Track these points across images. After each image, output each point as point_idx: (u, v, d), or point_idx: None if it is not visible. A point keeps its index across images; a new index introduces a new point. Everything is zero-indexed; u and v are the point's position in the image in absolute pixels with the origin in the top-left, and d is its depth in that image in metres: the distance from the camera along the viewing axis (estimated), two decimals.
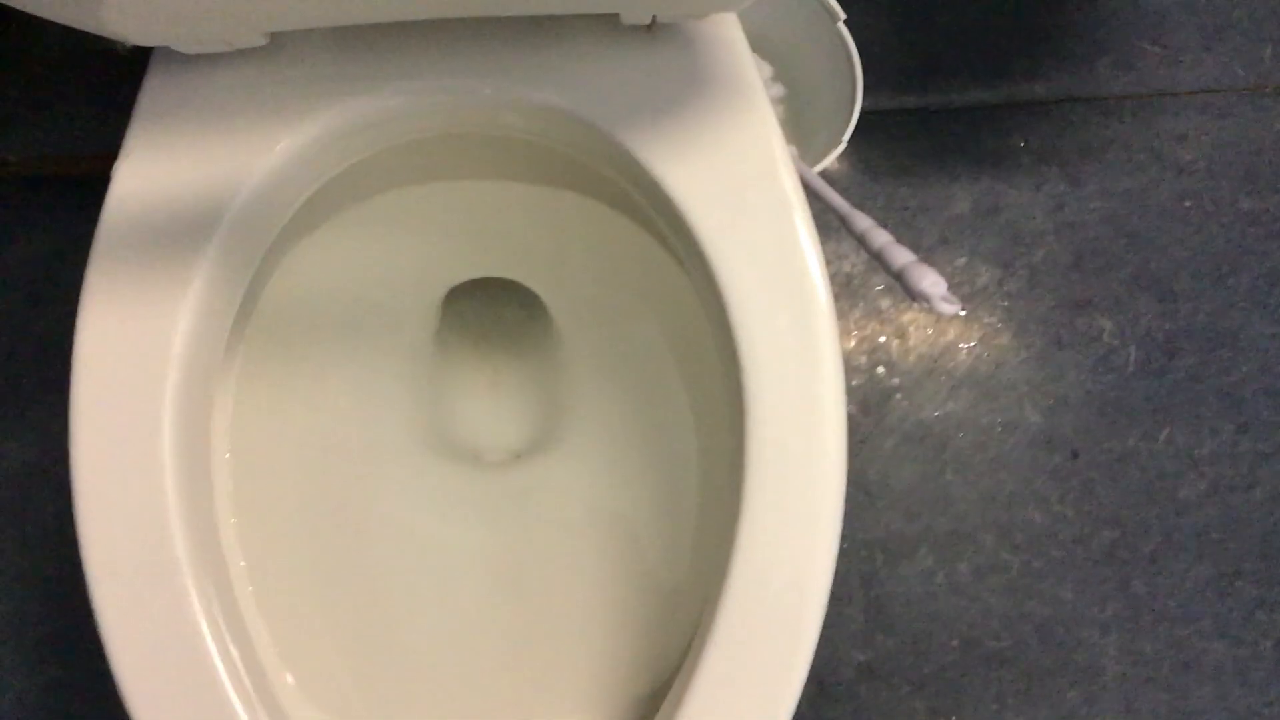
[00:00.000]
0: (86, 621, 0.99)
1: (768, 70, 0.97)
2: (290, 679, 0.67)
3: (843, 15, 0.90)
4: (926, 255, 1.02)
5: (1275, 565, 1.02)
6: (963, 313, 0.75)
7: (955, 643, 0.99)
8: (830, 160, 0.90)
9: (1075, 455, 1.02)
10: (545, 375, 0.80)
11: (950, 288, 1.03)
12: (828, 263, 1.02)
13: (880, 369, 1.03)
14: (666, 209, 0.62)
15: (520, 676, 0.69)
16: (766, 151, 0.61)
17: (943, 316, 0.76)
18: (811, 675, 0.98)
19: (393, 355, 0.76)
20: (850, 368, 1.03)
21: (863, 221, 0.80)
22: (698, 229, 0.60)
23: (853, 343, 1.03)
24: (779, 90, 0.98)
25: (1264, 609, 1.01)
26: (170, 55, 0.62)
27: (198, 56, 0.62)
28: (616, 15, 0.61)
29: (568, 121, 0.63)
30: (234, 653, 0.58)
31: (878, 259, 0.78)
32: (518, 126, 0.66)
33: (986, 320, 1.04)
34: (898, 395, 1.03)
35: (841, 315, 1.03)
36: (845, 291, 1.03)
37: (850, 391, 1.03)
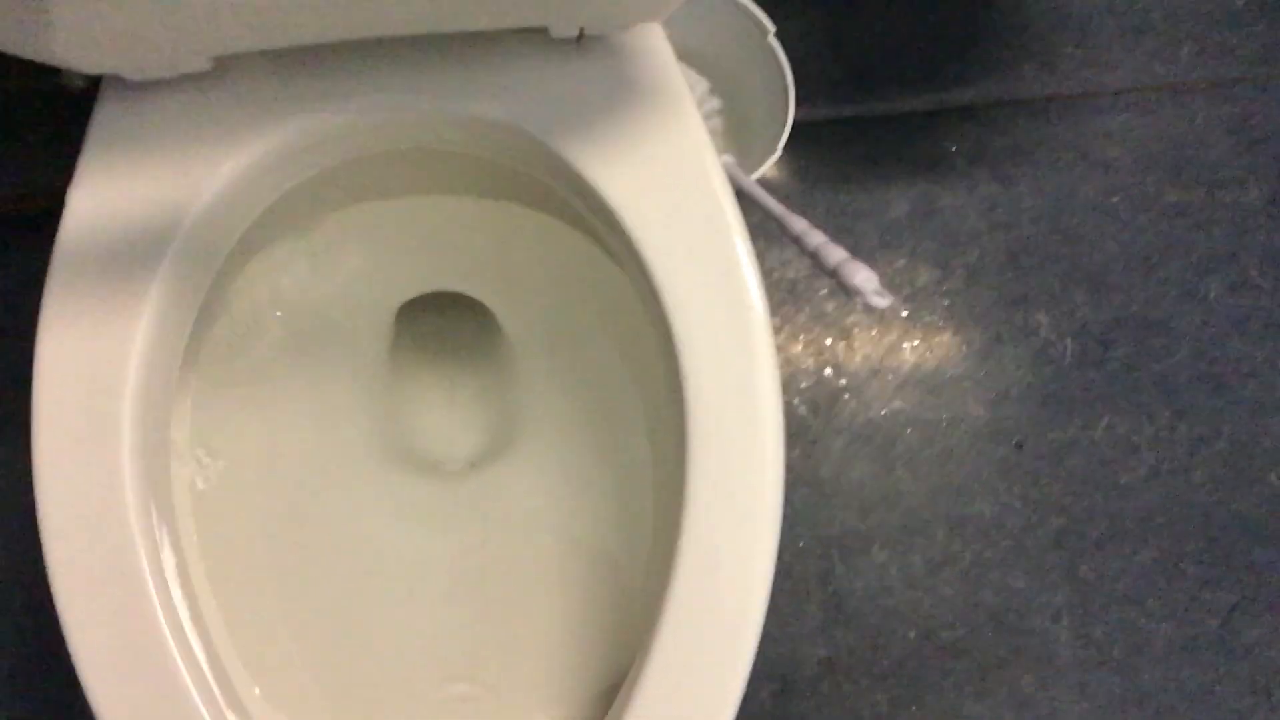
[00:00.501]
0: (55, 652, 0.99)
1: (704, 84, 0.99)
2: (257, 690, 0.68)
3: (772, 28, 0.93)
4: (867, 257, 1.04)
5: (1217, 546, 1.05)
6: (888, 305, 0.78)
7: (912, 634, 1.02)
8: (767, 167, 0.93)
9: (1019, 446, 1.05)
10: (500, 386, 0.82)
11: (891, 288, 1.06)
12: (772, 270, 1.05)
13: (828, 370, 1.05)
14: (604, 213, 0.64)
15: (483, 679, 0.70)
16: (696, 153, 0.64)
17: (876, 309, 0.79)
18: (774, 672, 1.00)
19: (348, 370, 0.77)
20: (798, 370, 1.05)
21: (799, 224, 0.83)
22: (633, 230, 0.63)
23: (799, 346, 1.05)
24: (716, 103, 1.00)
25: (1208, 589, 1.04)
26: (119, 83, 0.63)
27: (145, 84, 0.63)
28: (545, 29, 0.63)
29: (504, 133, 0.65)
30: (203, 665, 0.59)
31: (814, 259, 0.80)
32: (457, 140, 0.67)
33: (928, 319, 1.06)
34: (845, 395, 1.05)
35: (787, 320, 1.06)
36: (790, 297, 1.06)
37: (799, 393, 1.05)
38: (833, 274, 0.79)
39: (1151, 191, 1.09)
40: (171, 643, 0.58)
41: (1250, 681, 1.03)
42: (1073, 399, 1.06)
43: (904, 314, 1.05)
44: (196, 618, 0.62)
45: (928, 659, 1.02)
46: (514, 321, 0.80)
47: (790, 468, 1.04)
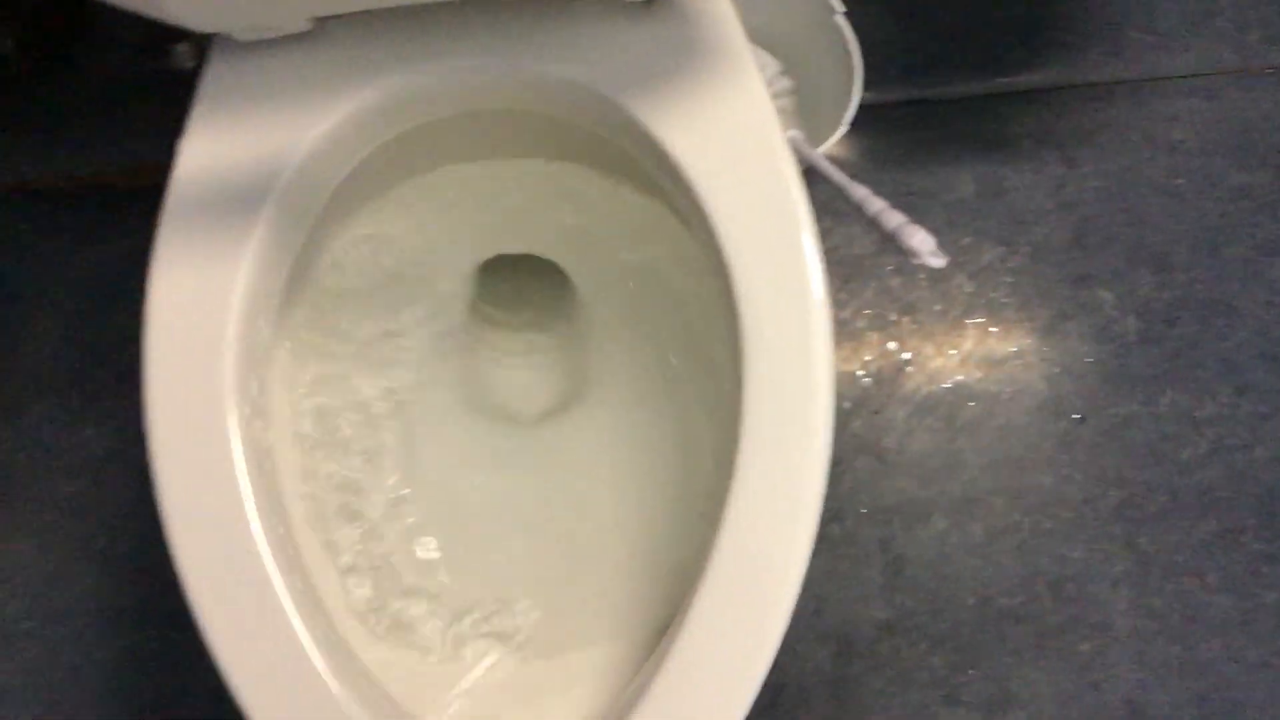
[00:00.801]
0: (158, 593, 1.06)
1: (775, 65, 1.03)
2: (354, 622, 0.73)
3: (841, 8, 0.97)
4: (935, 232, 1.08)
5: (1277, 522, 1.06)
6: (943, 264, 0.81)
7: (971, 600, 1.04)
8: (833, 142, 0.96)
9: (1081, 420, 1.07)
10: (573, 343, 0.87)
11: (956, 264, 1.09)
12: (838, 246, 1.08)
13: (891, 344, 1.08)
14: (669, 170, 0.68)
15: (548, 604, 0.75)
16: (756, 111, 0.68)
17: (932, 268, 0.82)
18: (833, 633, 1.04)
19: (430, 322, 0.82)
20: (862, 343, 1.08)
21: (860, 191, 0.86)
22: (696, 184, 0.67)
23: (864, 320, 1.08)
24: (787, 84, 1.04)
25: (1267, 563, 1.05)
26: (226, 43, 0.69)
27: (251, 44, 0.69)
28: None
29: (578, 92, 0.70)
30: (302, 592, 0.64)
31: (874, 223, 0.84)
32: (533, 100, 0.72)
33: (991, 295, 1.09)
34: (909, 368, 1.08)
35: (854, 295, 1.09)
36: (856, 272, 1.09)
37: (863, 364, 1.08)
38: (891, 236, 0.83)
39: (1216, 174, 1.11)
40: (265, 557, 0.63)
41: None
42: (1135, 375, 1.08)
43: (969, 290, 1.08)
44: (293, 547, 0.68)
45: (985, 624, 1.04)
46: (586, 281, 0.84)
47: (854, 436, 1.07)
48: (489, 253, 0.84)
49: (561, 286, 0.85)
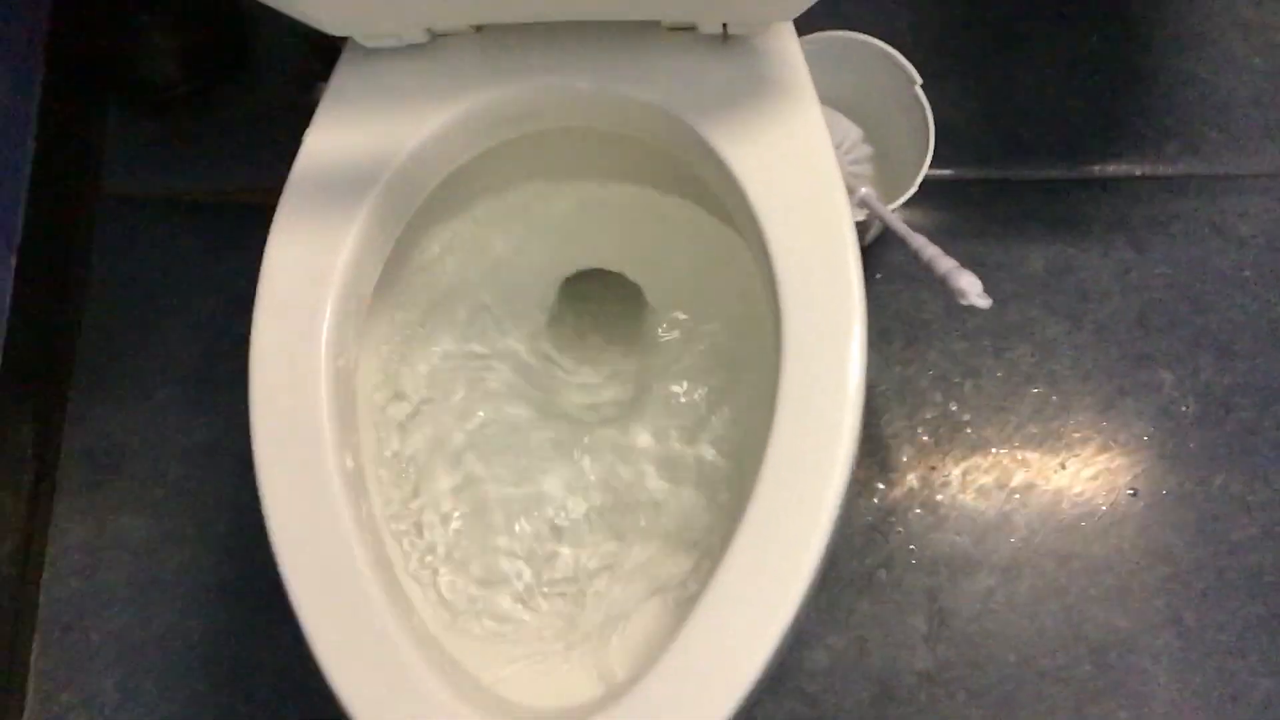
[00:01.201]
0: (245, 575, 1.14)
1: (858, 132, 1.11)
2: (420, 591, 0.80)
3: (919, 80, 1.04)
4: (1001, 304, 1.14)
5: None
6: (988, 305, 0.86)
7: (1012, 658, 1.06)
8: (902, 201, 1.03)
9: (1134, 494, 1.10)
10: (640, 353, 0.94)
11: (1020, 335, 1.14)
12: (909, 309, 1.14)
13: (953, 405, 1.13)
14: (731, 187, 0.76)
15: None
16: (814, 139, 0.76)
17: (978, 308, 0.88)
18: (875, 676, 1.07)
19: (516, 324, 0.91)
20: (925, 401, 1.13)
21: (918, 240, 0.93)
22: (754, 200, 0.74)
23: (926, 380, 1.13)
24: (868, 150, 1.11)
25: None
26: (355, 49, 0.79)
27: (375, 50, 0.79)
28: (695, 28, 0.76)
29: (655, 115, 0.78)
30: (377, 561, 0.72)
31: (928, 266, 0.90)
32: (614, 121, 0.81)
33: (1054, 367, 1.13)
34: (968, 430, 1.12)
35: (919, 355, 1.14)
36: (923, 334, 1.14)
37: (925, 422, 1.13)
38: (943, 279, 0.89)
39: None
40: (346, 520, 0.71)
41: None
42: (1190, 455, 1.11)
43: (1031, 360, 1.13)
44: (369, 511, 0.75)
45: (1025, 682, 1.06)
46: (657, 296, 0.92)
47: (909, 489, 1.12)
48: (570, 268, 0.92)
49: (636, 301, 0.93)
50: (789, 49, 0.77)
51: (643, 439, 0.88)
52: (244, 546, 1.16)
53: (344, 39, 0.81)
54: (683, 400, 0.88)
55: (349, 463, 0.74)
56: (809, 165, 0.75)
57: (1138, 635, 1.07)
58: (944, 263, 0.89)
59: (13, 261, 1.16)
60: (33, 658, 1.14)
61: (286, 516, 0.74)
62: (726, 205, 0.79)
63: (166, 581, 1.15)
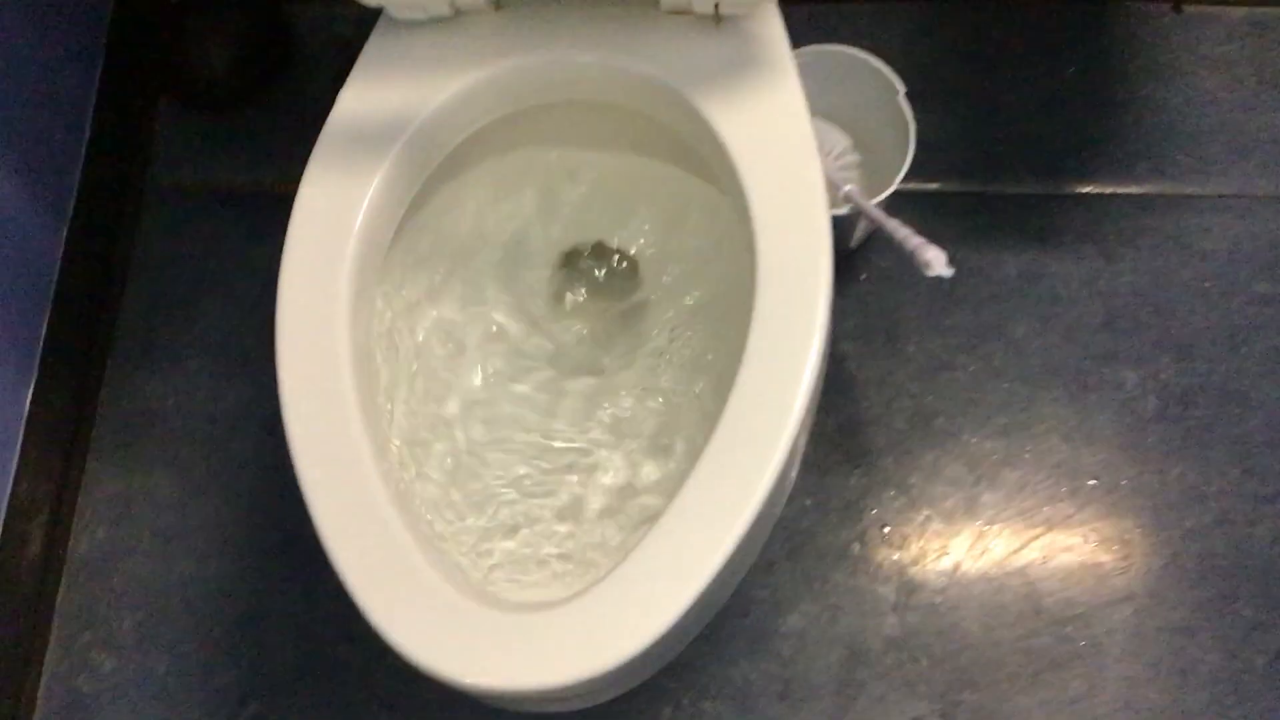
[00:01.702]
0: (263, 528, 1.21)
1: (846, 141, 1.20)
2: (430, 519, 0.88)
3: (903, 89, 1.13)
4: (975, 305, 1.22)
5: (1273, 594, 1.13)
6: (952, 274, 0.95)
7: (974, 628, 1.13)
8: (883, 197, 1.11)
9: (1095, 480, 1.17)
10: (634, 315, 1.03)
11: (992, 334, 1.21)
12: (892, 308, 1.22)
13: (928, 396, 1.21)
14: (718, 148, 0.84)
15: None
16: (793, 109, 0.85)
17: (944, 277, 0.96)
18: (845, 642, 1.14)
19: (515, 279, 1.00)
20: (901, 392, 1.21)
21: (891, 222, 1.02)
22: (738, 161, 0.83)
23: (904, 373, 1.22)
24: (855, 157, 1.20)
25: (1259, 630, 1.12)
26: (387, 21, 0.89)
27: (405, 22, 0.89)
28: (690, 8, 0.86)
29: (654, 87, 0.87)
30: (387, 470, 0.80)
31: (901, 245, 0.99)
32: (617, 93, 0.90)
33: (1023, 364, 1.21)
34: (939, 418, 1.20)
35: (898, 350, 1.22)
36: (903, 331, 1.23)
37: (900, 412, 1.21)
38: (911, 254, 0.97)
39: (1242, 281, 1.22)
40: (357, 424, 0.80)
41: None
42: (1149, 448, 1.18)
43: (1001, 357, 1.21)
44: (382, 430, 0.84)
45: (985, 651, 1.13)
46: (650, 263, 1.01)
47: (883, 471, 1.19)
48: (571, 230, 1.02)
49: (631, 271, 1.02)
50: (774, 30, 0.87)
51: (621, 398, 0.97)
52: (263, 504, 1.24)
53: (378, 12, 0.91)
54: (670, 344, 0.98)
55: (364, 385, 0.82)
56: (788, 130, 0.84)
57: (1094, 611, 1.14)
58: (913, 240, 0.98)
59: (63, 234, 1.27)
60: (58, 599, 1.23)
61: (306, 434, 0.81)
62: (714, 168, 0.88)
63: (189, 534, 1.24)
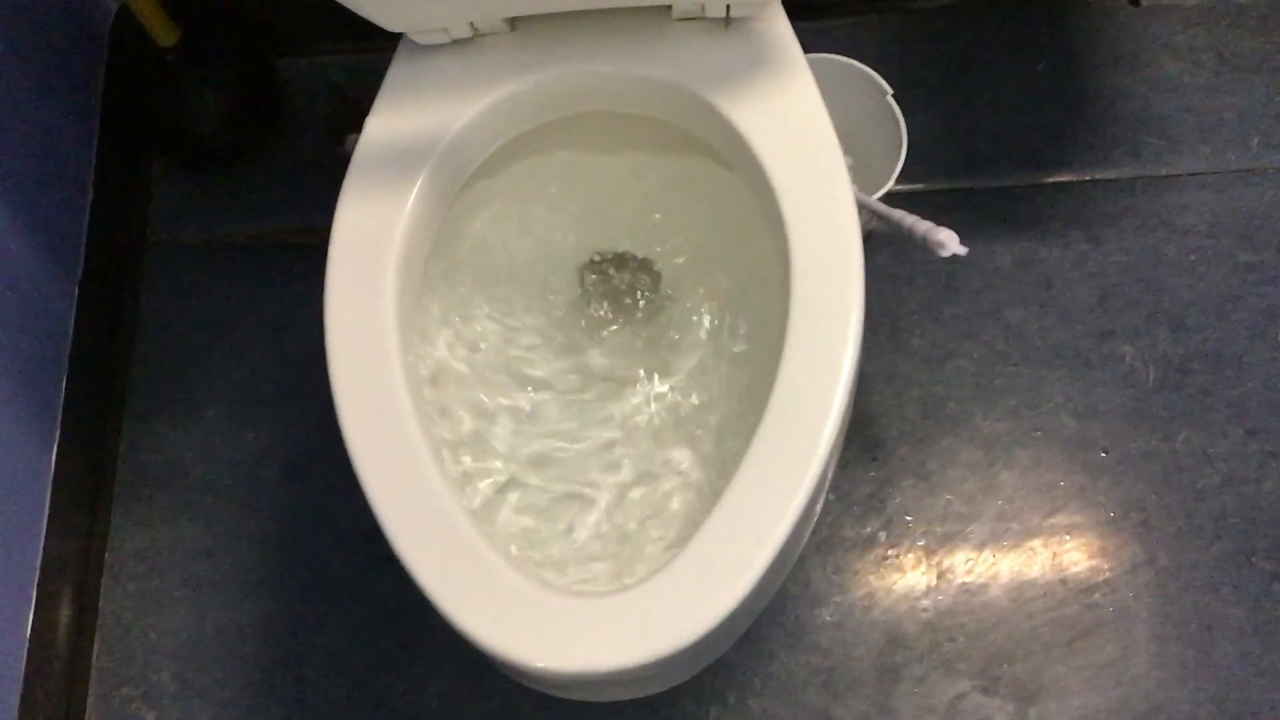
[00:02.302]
0: (293, 569, 1.20)
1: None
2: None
3: (890, 90, 1.18)
4: (972, 296, 1.27)
5: None
6: (966, 252, 0.98)
7: (1005, 603, 1.16)
8: (882, 193, 1.16)
9: (1105, 452, 1.21)
10: (658, 324, 1.05)
11: (992, 321, 1.25)
12: (893, 304, 1.25)
13: (936, 386, 1.24)
14: (740, 146, 0.88)
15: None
16: (810, 103, 0.89)
17: (959, 256, 1.00)
18: (881, 627, 1.15)
19: (544, 293, 1.02)
20: (910, 383, 1.25)
21: (898, 213, 1.05)
22: (763, 160, 0.87)
23: (910, 365, 1.25)
24: (849, 160, 1.24)
25: (1277, 581, 1.15)
26: (408, 46, 0.92)
27: (425, 47, 0.92)
28: (702, 12, 0.90)
29: (671, 91, 0.91)
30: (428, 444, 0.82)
31: (910, 231, 1.02)
32: (634, 103, 0.94)
33: (1024, 347, 1.25)
34: (950, 404, 1.23)
35: (903, 344, 1.26)
36: (906, 325, 1.27)
37: (911, 402, 1.24)
38: (924, 238, 1.01)
39: (1225, 253, 1.28)
40: (404, 400, 0.82)
41: None
42: (1154, 416, 1.22)
43: (1003, 341, 1.25)
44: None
45: (1019, 625, 1.16)
46: (672, 271, 1.04)
47: (901, 460, 1.22)
48: (594, 247, 1.04)
49: (653, 278, 1.05)
50: (781, 28, 0.91)
51: (648, 408, 1.00)
52: (291, 545, 1.25)
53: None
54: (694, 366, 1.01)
55: (417, 398, 0.84)
56: (807, 123, 0.88)
57: (1118, 577, 1.17)
58: (922, 225, 1.02)
59: (75, 294, 1.28)
60: (94, 656, 1.22)
61: (366, 443, 0.82)
62: (735, 166, 0.91)
63: (219, 581, 1.24)
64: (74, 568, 1.23)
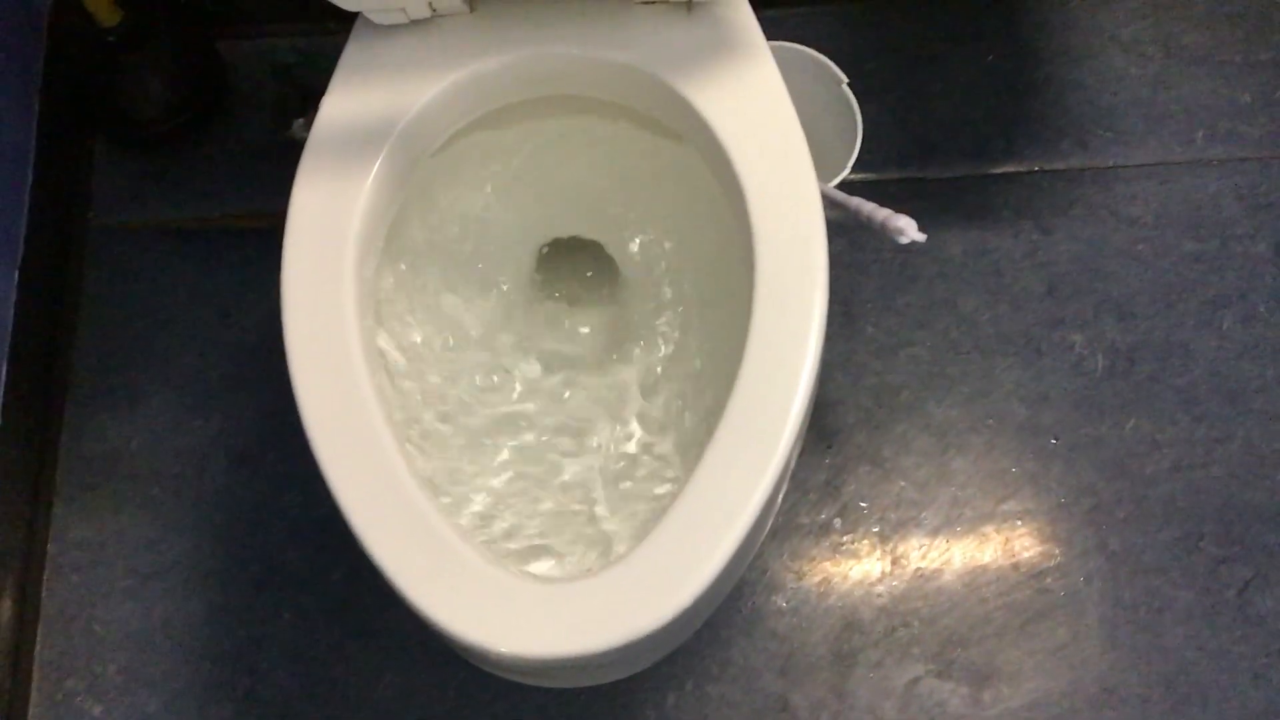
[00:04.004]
0: (243, 560, 1.19)
1: None
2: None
3: (846, 79, 1.18)
4: (926, 287, 1.28)
5: (1233, 529, 1.20)
6: (924, 239, 0.99)
7: (959, 588, 1.17)
8: (838, 181, 1.16)
9: (1056, 438, 1.22)
10: (614, 305, 1.05)
11: (946, 310, 1.26)
12: (848, 290, 1.26)
13: (891, 374, 1.25)
14: (702, 129, 0.88)
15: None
16: (771, 86, 0.88)
17: (917, 242, 1.00)
18: (837, 613, 1.15)
19: (499, 276, 1.02)
20: (865, 371, 1.26)
21: (855, 200, 1.06)
22: (725, 140, 0.86)
23: (865, 353, 1.26)
24: None
25: (1225, 565, 1.18)
26: (365, 25, 0.91)
27: (383, 26, 0.90)
28: None
29: (633, 74, 0.90)
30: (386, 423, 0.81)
31: (869, 218, 1.03)
32: (596, 86, 0.93)
33: (977, 336, 1.27)
34: (904, 392, 1.24)
35: (857, 332, 1.27)
36: (860, 313, 1.27)
37: (865, 390, 1.25)
38: (882, 225, 1.01)
39: (1172, 242, 1.30)
40: (365, 385, 0.80)
41: (1264, 645, 1.15)
42: (1103, 403, 1.24)
43: (957, 330, 1.26)
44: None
45: (973, 609, 1.17)
46: (625, 256, 1.04)
47: (857, 447, 1.23)
48: (552, 228, 1.04)
49: (607, 263, 1.05)
50: (744, 14, 0.91)
51: (611, 386, 0.99)
52: (240, 535, 1.23)
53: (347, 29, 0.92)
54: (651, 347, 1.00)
55: (377, 384, 0.83)
56: (770, 107, 0.88)
57: (1070, 561, 1.19)
58: (881, 212, 1.02)
59: (15, 278, 1.24)
60: (37, 650, 1.19)
61: (326, 428, 0.81)
62: (699, 151, 0.91)
63: (166, 572, 1.22)
64: (15, 559, 1.20)
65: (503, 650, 0.74)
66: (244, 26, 1.43)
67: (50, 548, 1.23)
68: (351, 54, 0.92)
